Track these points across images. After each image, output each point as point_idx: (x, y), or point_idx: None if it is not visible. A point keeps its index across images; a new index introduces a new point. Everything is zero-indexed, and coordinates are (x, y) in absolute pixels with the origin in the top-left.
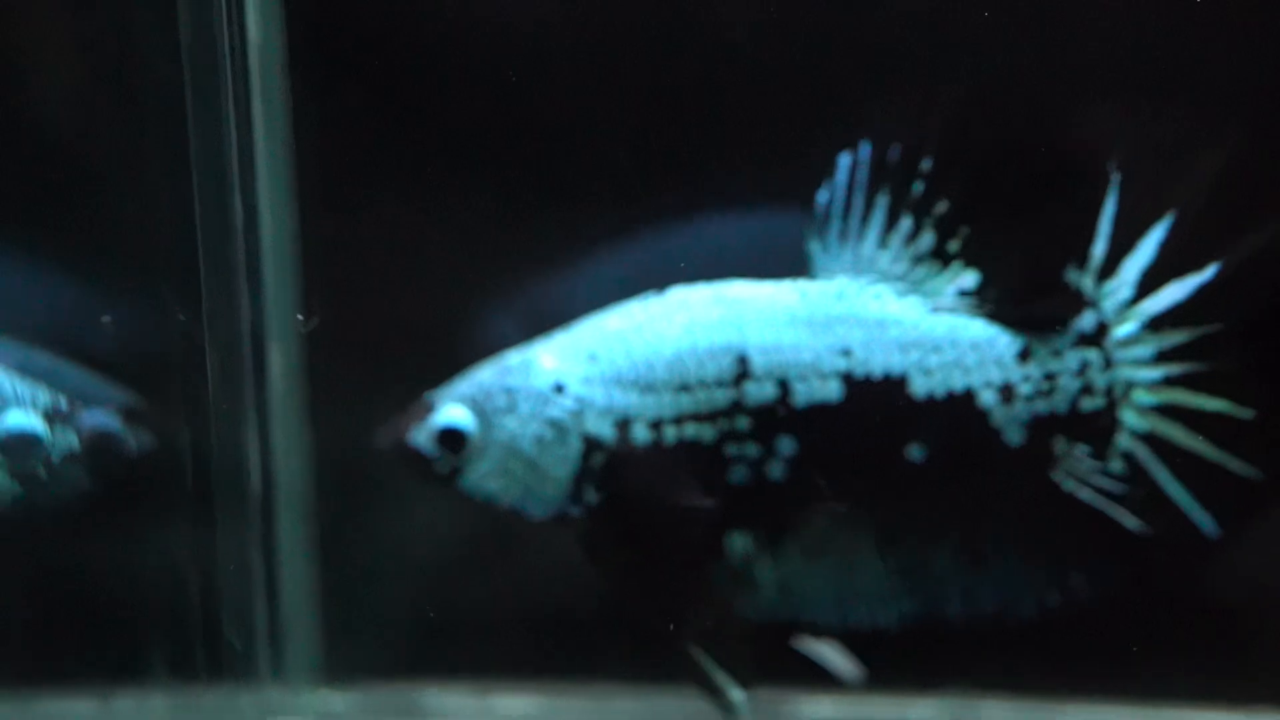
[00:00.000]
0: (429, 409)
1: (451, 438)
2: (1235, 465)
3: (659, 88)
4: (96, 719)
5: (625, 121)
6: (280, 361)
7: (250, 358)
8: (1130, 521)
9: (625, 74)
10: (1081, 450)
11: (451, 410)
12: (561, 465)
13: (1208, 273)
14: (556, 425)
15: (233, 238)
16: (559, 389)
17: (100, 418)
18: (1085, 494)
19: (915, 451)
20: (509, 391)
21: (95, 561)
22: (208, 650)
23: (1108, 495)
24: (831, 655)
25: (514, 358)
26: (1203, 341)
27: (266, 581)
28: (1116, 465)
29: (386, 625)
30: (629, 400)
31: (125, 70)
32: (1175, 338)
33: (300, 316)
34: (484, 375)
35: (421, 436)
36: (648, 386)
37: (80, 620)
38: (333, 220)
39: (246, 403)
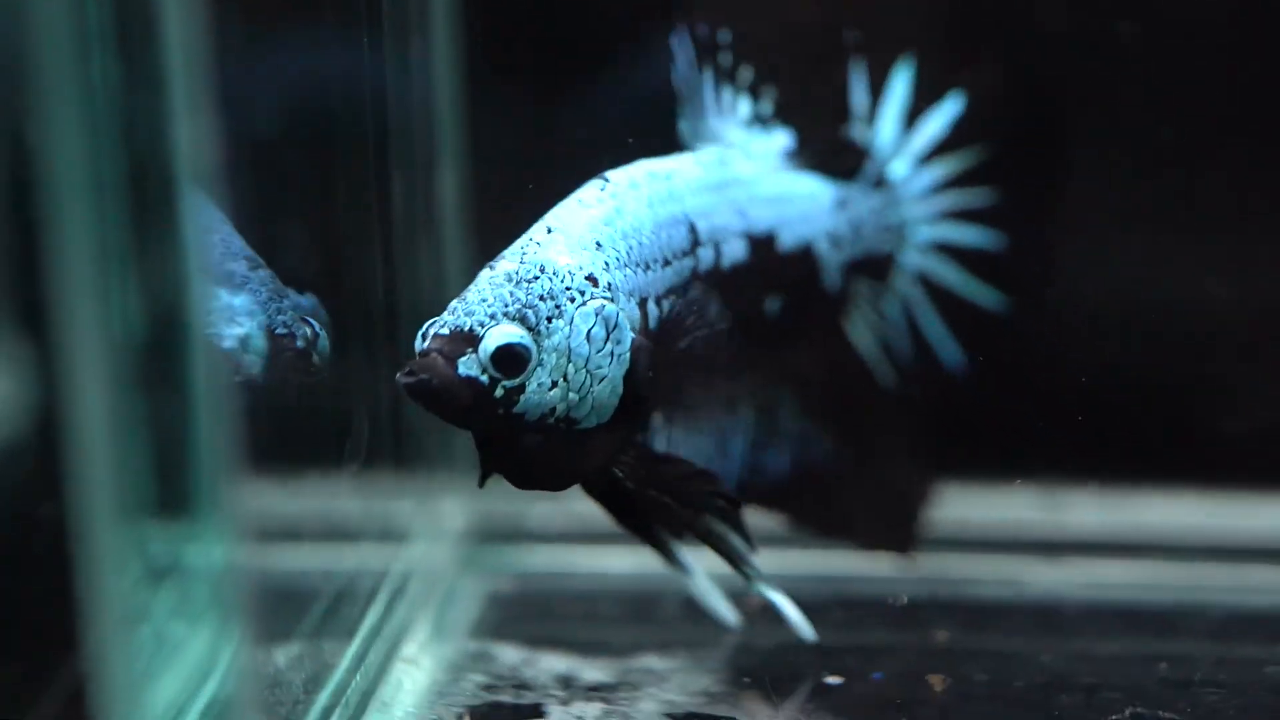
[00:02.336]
0: (470, 337)
1: (511, 358)
2: (989, 298)
3: None
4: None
5: None
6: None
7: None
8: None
9: None
10: (875, 290)
11: (504, 329)
12: (616, 362)
13: (954, 104)
14: (605, 318)
15: None
16: (592, 280)
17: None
18: (864, 340)
19: (773, 304)
20: (548, 296)
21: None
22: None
23: (881, 340)
24: (790, 609)
25: (518, 268)
26: (964, 175)
27: None
28: (893, 308)
29: None
30: (639, 281)
31: None
32: (939, 171)
33: None
34: (498, 292)
35: (472, 367)
36: (646, 265)
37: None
38: None
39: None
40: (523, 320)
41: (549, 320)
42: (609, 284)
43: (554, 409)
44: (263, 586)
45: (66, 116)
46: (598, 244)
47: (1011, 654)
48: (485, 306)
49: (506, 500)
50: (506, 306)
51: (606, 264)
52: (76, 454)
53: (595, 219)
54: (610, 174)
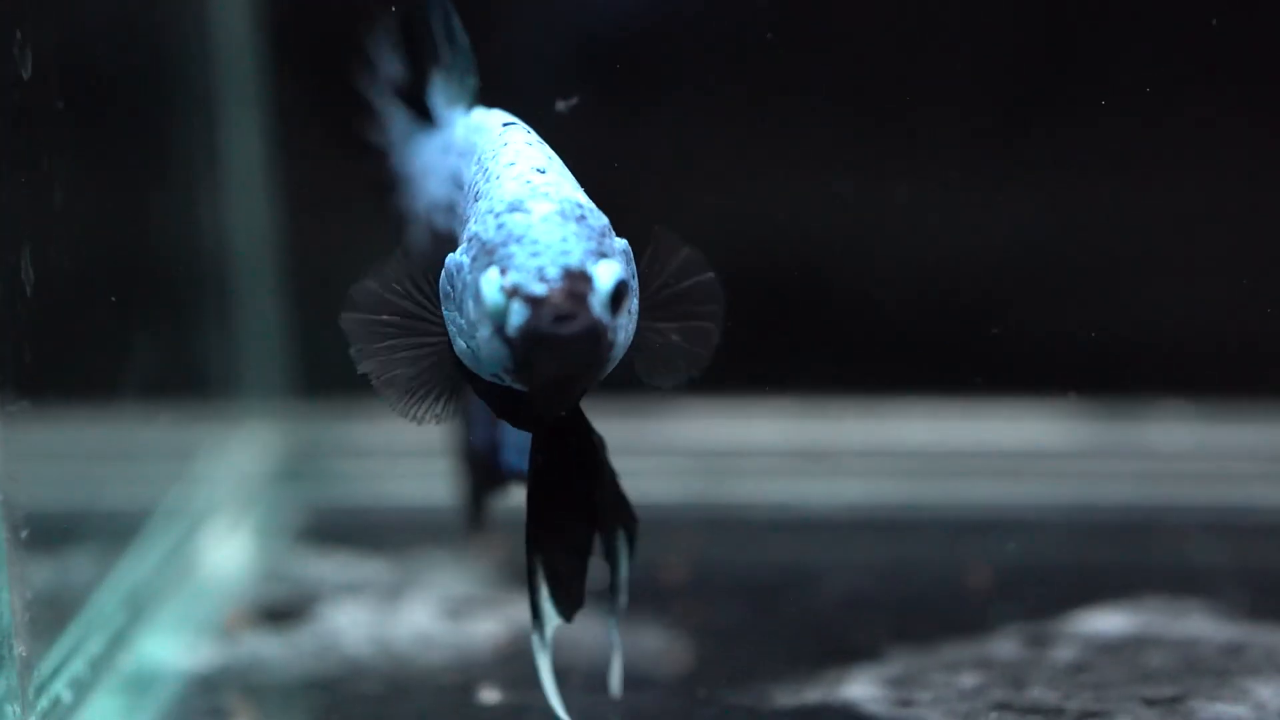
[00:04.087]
0: (584, 276)
1: (620, 297)
2: None
3: None
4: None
5: None
6: None
7: None
8: None
9: None
10: None
11: (611, 265)
12: None
13: None
14: (629, 257)
15: None
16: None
17: None
18: None
19: None
20: (606, 233)
21: None
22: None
23: None
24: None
25: (559, 206)
26: None
27: None
28: None
29: None
30: None
31: None
32: None
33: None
34: (568, 229)
35: (598, 307)
36: None
37: None
38: None
39: None
40: (609, 254)
41: (621, 254)
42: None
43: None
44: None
45: None
46: (575, 185)
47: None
48: (576, 242)
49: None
50: (588, 242)
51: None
52: None
53: (558, 163)
54: (496, 114)
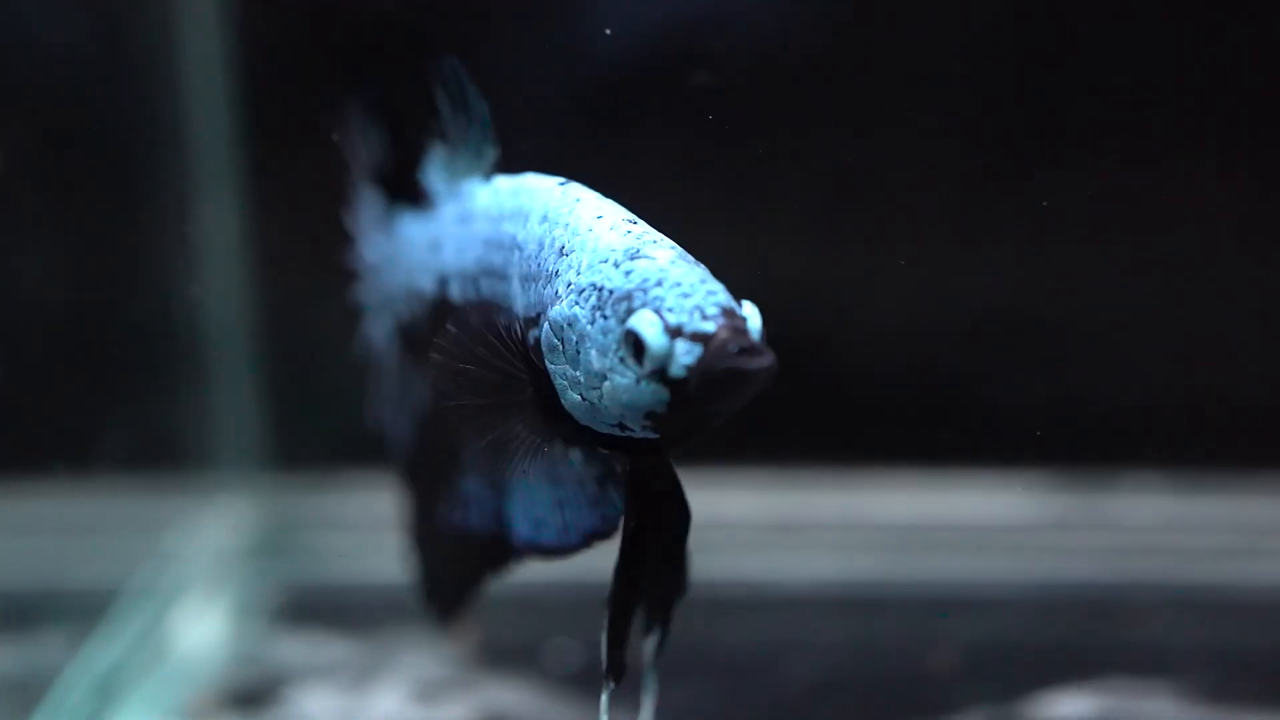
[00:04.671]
0: (737, 314)
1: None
2: None
3: None
4: None
5: None
6: None
7: None
8: None
9: None
10: None
11: (750, 305)
12: None
13: None
14: None
15: None
16: None
17: None
18: None
19: None
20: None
21: None
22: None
23: None
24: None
25: (679, 253)
26: None
27: None
28: None
29: None
30: None
31: None
32: None
33: None
34: (703, 271)
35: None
36: None
37: None
38: None
39: None
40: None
41: None
42: None
43: None
44: None
45: None
46: None
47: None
48: (714, 283)
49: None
50: (720, 283)
51: None
52: None
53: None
54: (531, 176)
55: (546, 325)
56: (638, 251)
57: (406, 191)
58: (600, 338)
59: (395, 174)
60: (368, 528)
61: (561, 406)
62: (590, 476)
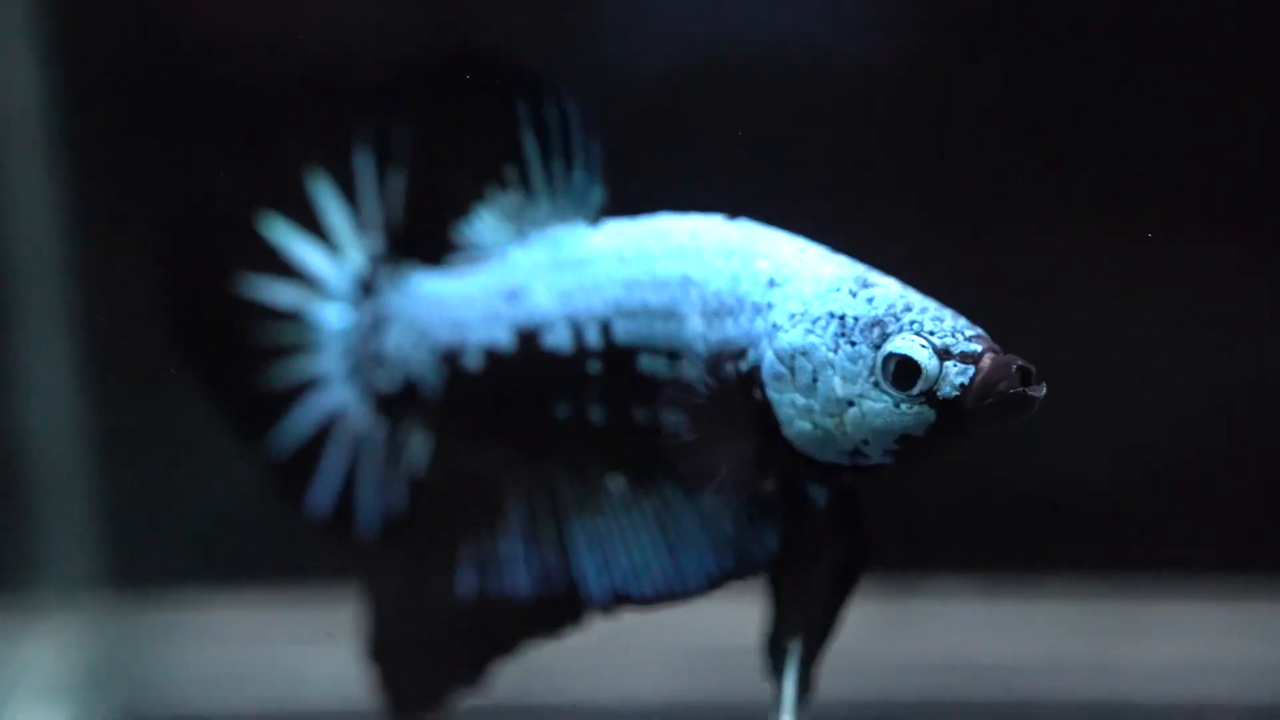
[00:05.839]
0: (996, 352)
1: None
2: None
3: None
4: None
5: None
6: None
7: None
8: None
9: None
10: None
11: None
12: None
13: None
14: None
15: None
16: None
17: None
18: None
19: None
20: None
21: None
22: None
23: None
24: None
25: (899, 286)
26: None
27: None
28: None
29: None
30: None
31: None
32: None
33: None
34: (927, 300)
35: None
36: None
37: None
38: None
39: None
40: None
41: None
42: None
43: None
44: None
45: None
46: None
47: None
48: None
49: None
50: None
51: None
52: None
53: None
54: (668, 217)
55: (771, 355)
56: (867, 280)
57: (426, 247)
58: (848, 365)
59: (415, 228)
60: (219, 646)
61: (779, 438)
62: (727, 514)
